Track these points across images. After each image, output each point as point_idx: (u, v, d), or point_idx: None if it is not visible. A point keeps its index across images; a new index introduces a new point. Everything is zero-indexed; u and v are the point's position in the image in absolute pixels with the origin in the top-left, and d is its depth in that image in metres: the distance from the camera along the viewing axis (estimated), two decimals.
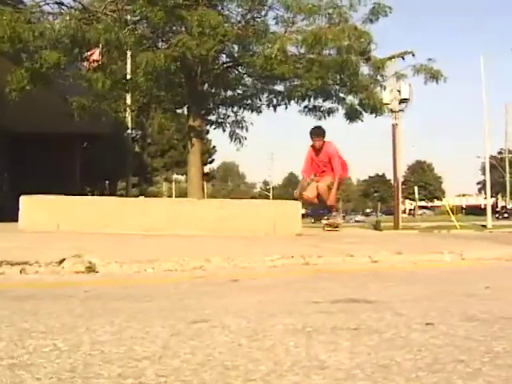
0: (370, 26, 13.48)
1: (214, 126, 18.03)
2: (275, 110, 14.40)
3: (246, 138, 16.02)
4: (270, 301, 2.31)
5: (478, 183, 64.36)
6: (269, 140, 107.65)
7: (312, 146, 9.11)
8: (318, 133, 9.27)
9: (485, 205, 43.85)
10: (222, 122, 15.97)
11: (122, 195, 24.09)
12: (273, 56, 10.68)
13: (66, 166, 22.83)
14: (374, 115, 13.90)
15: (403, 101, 28.61)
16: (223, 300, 2.36)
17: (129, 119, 23.98)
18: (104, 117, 19.10)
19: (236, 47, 12.32)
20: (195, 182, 13.66)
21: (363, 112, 14.67)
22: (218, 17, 11.09)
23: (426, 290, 2.75)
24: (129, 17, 12.29)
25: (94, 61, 13.65)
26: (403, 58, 25.26)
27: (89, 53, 13.63)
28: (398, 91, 28.13)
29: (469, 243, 6.51)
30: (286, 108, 14.37)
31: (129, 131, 24.21)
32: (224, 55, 14.05)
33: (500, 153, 49.96)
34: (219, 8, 12.67)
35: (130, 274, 3.48)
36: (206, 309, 2.05)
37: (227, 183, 73.24)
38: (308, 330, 1.66)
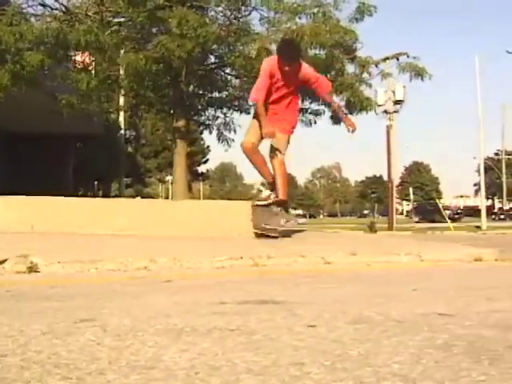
0: (356, 25, 13.51)
1: (201, 128, 18.06)
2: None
3: (233, 140, 16.05)
4: (183, 301, 2.30)
5: (474, 184, 64.29)
6: (267, 141, 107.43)
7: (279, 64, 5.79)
8: (291, 56, 5.87)
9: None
10: (209, 124, 16.01)
11: (116, 196, 24.12)
12: (253, 56, 10.71)
13: (58, 166, 22.81)
14: (362, 114, 13.94)
15: (398, 102, 28.56)
16: (135, 300, 2.35)
17: (122, 120, 24.02)
18: (96, 117, 19.16)
19: (218, 48, 12.37)
20: (180, 182, 13.68)
21: (350, 114, 14.70)
22: (199, 18, 11.12)
23: (353, 291, 2.74)
24: (112, 18, 12.32)
25: (79, 62, 13.69)
26: (397, 59, 25.19)
27: (78, 54, 13.69)
28: (393, 92, 28.12)
29: (438, 244, 6.48)
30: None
31: (122, 132, 24.25)
32: (211, 56, 14.09)
33: (497, 154, 49.91)
34: (203, 9, 12.70)
35: (72, 274, 3.47)
36: (105, 308, 2.04)
37: (225, 184, 73.36)
38: (186, 330, 1.65)
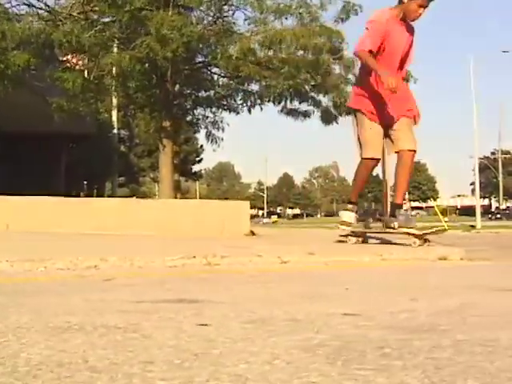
0: (342, 25, 13.51)
1: (190, 127, 18.05)
2: (250, 111, 14.43)
3: (222, 139, 16.05)
4: (98, 300, 2.30)
5: (471, 184, 64.21)
6: (265, 141, 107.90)
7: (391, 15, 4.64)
8: None
9: (480, 205, 43.89)
10: (197, 123, 16.02)
11: (110, 196, 24.10)
12: (233, 57, 10.73)
13: (50, 166, 22.77)
14: (348, 116, 13.92)
15: None
16: (53, 298, 2.35)
17: (115, 119, 24.01)
18: (89, 117, 19.14)
19: (203, 48, 12.37)
20: (166, 182, 13.70)
21: (338, 115, 14.72)
22: (182, 18, 11.13)
23: (286, 290, 2.73)
24: (96, 19, 12.31)
25: (66, 61, 13.70)
26: None
27: (69, 54, 13.70)
28: None
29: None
30: (261, 109, 14.39)
31: (115, 131, 24.24)
32: (198, 55, 14.09)
33: (493, 153, 49.89)
34: (189, 9, 12.70)
35: (20, 273, 3.47)
36: (17, 306, 2.05)
37: (222, 183, 73.41)
38: (73, 328, 1.65)
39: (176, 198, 22.33)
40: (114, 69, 12.30)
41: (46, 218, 7.65)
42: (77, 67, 13.68)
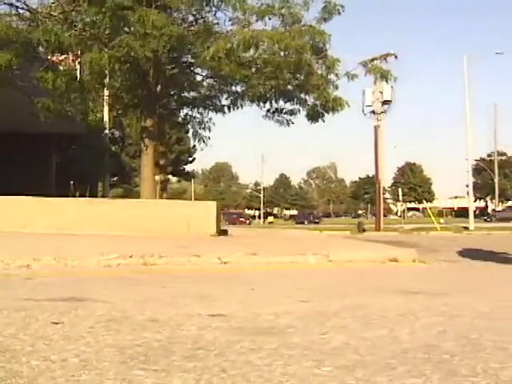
0: (324, 25, 13.47)
1: (175, 128, 18.02)
2: (229, 110, 14.39)
3: (209, 138, 16.08)
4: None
5: (466, 185, 63.97)
6: (262, 141, 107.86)
7: None
8: None
9: (476, 207, 43.80)
10: (183, 124, 16.01)
11: (103, 196, 24.07)
12: (213, 56, 10.69)
13: (40, 166, 22.70)
14: (333, 114, 13.90)
15: (386, 102, 28.50)
16: None
17: (107, 119, 24.01)
18: (79, 117, 19.10)
19: (183, 48, 12.33)
20: (147, 182, 13.66)
21: (324, 113, 14.67)
22: (163, 17, 11.10)
23: (190, 292, 2.73)
24: (76, 18, 12.30)
25: (48, 61, 13.67)
26: (386, 60, 25.03)
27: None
28: (381, 93, 28.08)
29: (366, 245, 6.42)
30: (242, 108, 14.37)
31: (106, 131, 24.22)
32: (184, 56, 14.07)
33: (489, 155, 49.78)
34: (171, 9, 12.68)
35: None
36: None
37: (220, 184, 73.35)
38: None
39: (162, 198, 22.31)
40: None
41: (13, 217, 7.64)
42: (60, 67, 13.65)
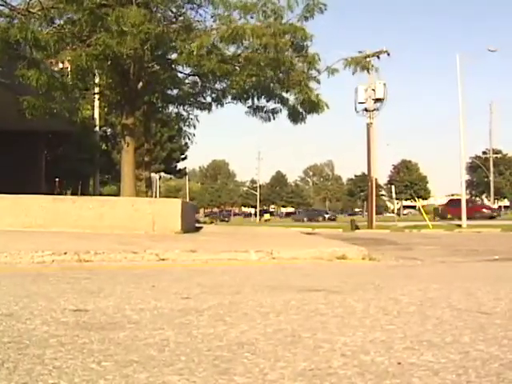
0: (306, 22, 13.45)
1: (160, 124, 18.06)
2: (213, 107, 14.40)
3: (194, 135, 16.16)
4: None
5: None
6: (259, 139, 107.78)
7: None
8: None
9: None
10: (167, 121, 16.04)
11: (100, 194, 24.09)
12: (189, 53, 10.71)
13: (29, 163, 22.73)
14: (313, 114, 13.92)
15: (378, 100, 28.45)
16: None
17: (97, 117, 24.02)
18: (68, 115, 19.14)
19: (162, 46, 12.34)
20: (127, 180, 13.68)
21: (304, 113, 14.66)
22: (140, 15, 11.10)
23: (78, 286, 2.75)
24: (55, 16, 12.30)
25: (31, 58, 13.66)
26: (378, 57, 25.02)
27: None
28: (373, 90, 28.04)
29: (325, 242, 6.43)
30: (223, 106, 14.38)
31: (97, 129, 24.24)
32: (167, 54, 14.07)
33: (485, 153, 49.73)
34: (149, 7, 12.67)
35: None
36: None
37: (217, 181, 73.31)
38: None
39: (147, 195, 22.35)
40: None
41: None
42: (42, 65, 13.63)
